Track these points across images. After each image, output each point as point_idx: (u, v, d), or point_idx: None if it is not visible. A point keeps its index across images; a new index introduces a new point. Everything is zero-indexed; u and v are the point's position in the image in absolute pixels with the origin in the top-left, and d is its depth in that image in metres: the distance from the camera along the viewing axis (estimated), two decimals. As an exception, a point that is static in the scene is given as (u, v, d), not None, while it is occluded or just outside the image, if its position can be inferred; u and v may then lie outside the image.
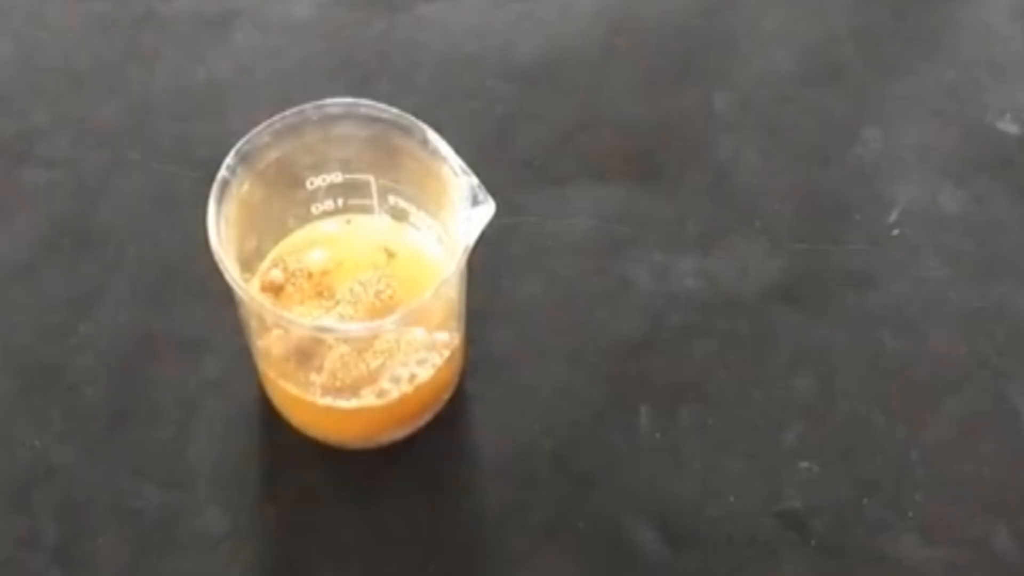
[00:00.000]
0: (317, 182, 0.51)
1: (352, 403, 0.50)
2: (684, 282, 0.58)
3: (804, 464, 0.54)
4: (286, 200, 0.51)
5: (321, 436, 0.53)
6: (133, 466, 0.53)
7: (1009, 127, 0.63)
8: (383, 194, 0.52)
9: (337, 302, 0.51)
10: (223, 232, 0.46)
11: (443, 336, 0.51)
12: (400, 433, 0.53)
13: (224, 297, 0.48)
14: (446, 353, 0.51)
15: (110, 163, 0.61)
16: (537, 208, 0.60)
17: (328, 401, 0.50)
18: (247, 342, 0.51)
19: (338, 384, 0.50)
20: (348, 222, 0.53)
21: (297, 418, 0.53)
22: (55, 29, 0.65)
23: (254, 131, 0.48)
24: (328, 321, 0.50)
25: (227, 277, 0.46)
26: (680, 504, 0.53)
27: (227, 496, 0.52)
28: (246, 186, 0.48)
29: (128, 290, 0.57)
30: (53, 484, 0.52)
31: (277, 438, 0.53)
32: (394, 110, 0.49)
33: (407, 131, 0.49)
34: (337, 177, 0.51)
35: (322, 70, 0.65)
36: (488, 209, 0.47)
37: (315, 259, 0.52)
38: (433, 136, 0.48)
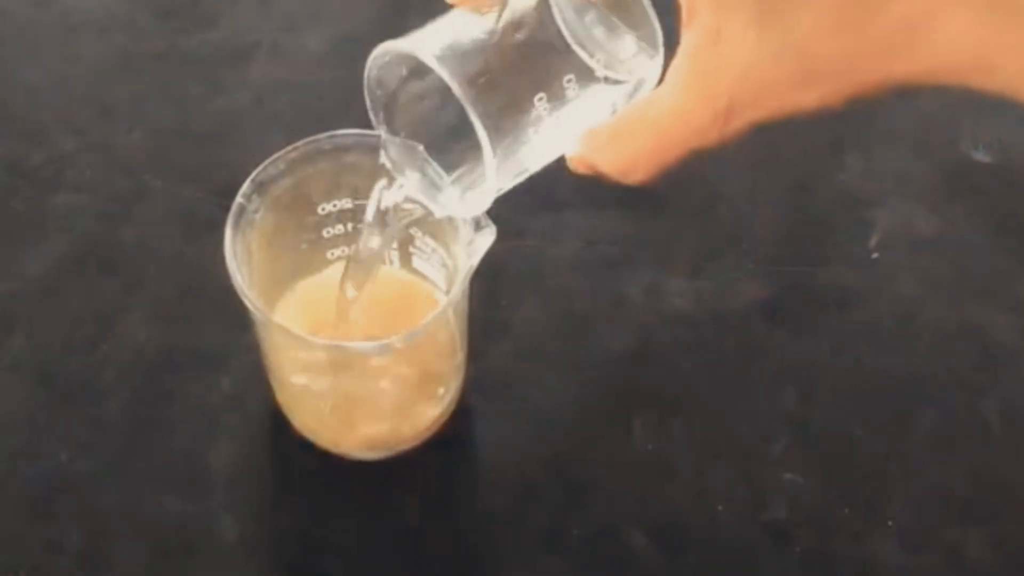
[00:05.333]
0: (328, 207, 0.51)
1: (361, 418, 0.50)
2: (674, 301, 0.58)
3: (788, 475, 0.53)
4: (299, 224, 0.51)
5: (331, 447, 0.53)
6: (153, 476, 0.52)
7: (982, 156, 0.63)
8: (391, 219, 0.51)
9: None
10: (239, 255, 0.46)
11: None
12: (406, 445, 0.53)
13: (239, 316, 0.48)
14: (450, 370, 0.51)
15: (134, 188, 0.61)
16: (536, 232, 0.60)
17: (339, 416, 0.50)
18: (261, 358, 0.51)
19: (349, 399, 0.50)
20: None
21: (308, 429, 0.53)
22: (82, 62, 0.65)
23: (269, 160, 0.48)
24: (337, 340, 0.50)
25: (243, 297, 0.46)
26: (670, 513, 0.53)
27: (241, 505, 0.52)
28: (261, 212, 0.48)
29: (149, 308, 0.57)
30: (77, 493, 0.52)
31: (289, 449, 0.53)
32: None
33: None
34: (347, 203, 0.51)
35: (334, 100, 0.64)
36: (490, 234, 0.46)
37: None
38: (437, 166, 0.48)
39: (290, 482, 0.53)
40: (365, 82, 0.40)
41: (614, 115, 0.41)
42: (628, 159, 0.40)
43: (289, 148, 0.48)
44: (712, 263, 0.59)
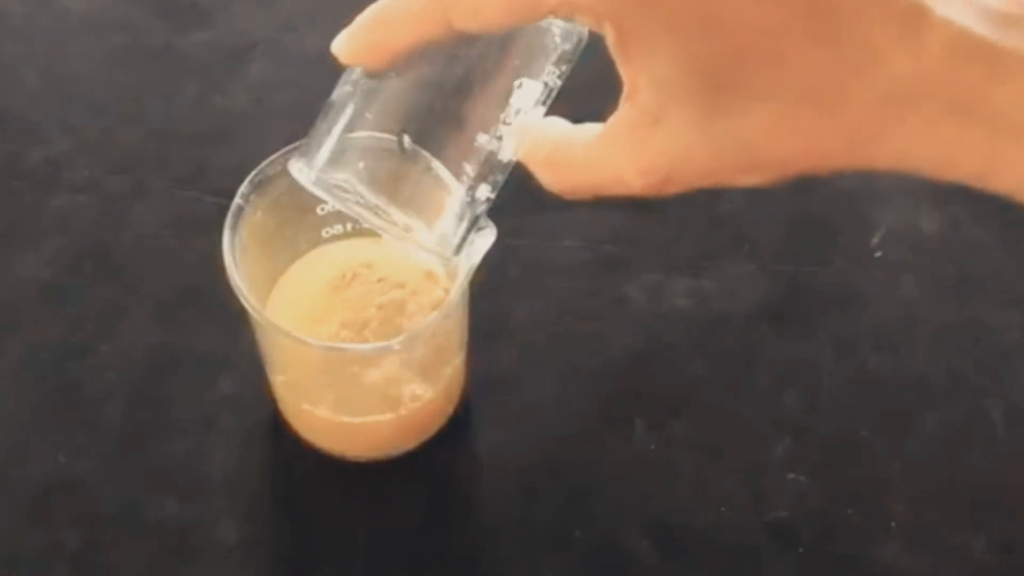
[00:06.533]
0: (327, 208, 0.50)
1: (361, 419, 0.50)
2: (676, 302, 0.57)
3: (791, 475, 0.53)
4: (297, 224, 0.51)
5: (331, 448, 0.52)
6: (151, 479, 0.52)
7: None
8: (389, 219, 0.51)
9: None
10: (238, 257, 0.46)
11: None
12: (407, 446, 0.53)
13: (238, 317, 0.48)
14: (450, 371, 0.51)
15: (131, 189, 0.60)
16: (536, 232, 0.59)
17: (339, 416, 0.50)
18: (261, 360, 0.51)
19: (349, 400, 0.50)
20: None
21: (307, 431, 0.52)
22: (78, 61, 0.65)
23: (267, 161, 0.48)
24: (337, 341, 0.49)
25: (242, 300, 0.46)
26: (673, 514, 0.52)
27: (240, 507, 0.52)
28: (259, 213, 0.47)
29: (148, 310, 0.56)
30: (74, 496, 0.51)
31: (288, 451, 0.53)
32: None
33: (413, 159, 0.48)
34: (346, 203, 0.50)
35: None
36: (490, 234, 0.46)
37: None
38: (437, 164, 0.48)
39: (290, 484, 0.53)
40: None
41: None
42: (562, 186, 0.40)
43: (288, 148, 0.48)
44: (714, 263, 0.59)
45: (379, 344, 0.47)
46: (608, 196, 0.39)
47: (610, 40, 0.37)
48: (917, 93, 0.34)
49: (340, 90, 0.40)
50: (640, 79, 0.37)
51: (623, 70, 0.37)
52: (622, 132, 0.38)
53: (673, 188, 0.38)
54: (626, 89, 0.38)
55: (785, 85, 0.35)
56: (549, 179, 0.40)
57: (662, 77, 0.36)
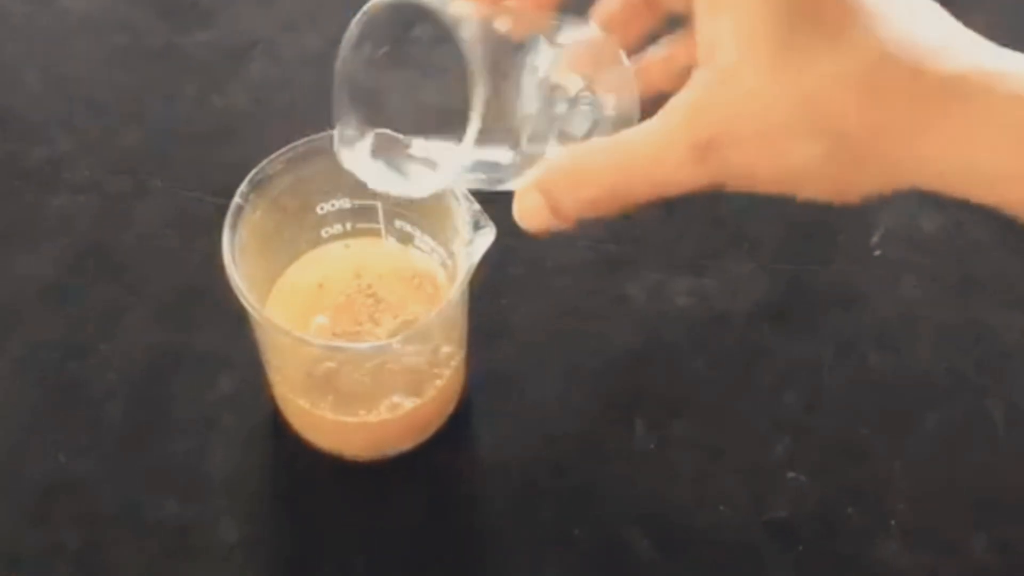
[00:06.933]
0: (327, 207, 0.51)
1: (361, 418, 0.50)
2: (677, 301, 0.57)
3: (791, 474, 0.53)
4: (297, 224, 0.51)
5: (331, 448, 0.52)
6: (151, 479, 0.52)
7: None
8: (390, 218, 0.51)
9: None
10: (237, 256, 0.46)
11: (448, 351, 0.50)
12: (406, 445, 0.53)
13: (238, 316, 0.48)
14: (450, 370, 0.51)
15: (132, 189, 0.60)
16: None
17: (338, 415, 0.50)
18: (261, 359, 0.51)
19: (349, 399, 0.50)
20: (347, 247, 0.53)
21: (307, 430, 0.52)
22: (79, 61, 0.65)
23: (267, 160, 0.48)
24: (336, 340, 0.49)
25: (241, 298, 0.46)
26: (673, 513, 0.52)
27: (240, 507, 0.52)
28: (259, 212, 0.47)
29: (148, 310, 0.56)
30: (75, 495, 0.51)
31: (289, 451, 0.53)
32: (401, 139, 0.49)
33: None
34: (346, 203, 0.51)
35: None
36: (489, 233, 0.46)
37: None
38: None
39: (290, 483, 0.53)
40: (337, 72, 0.39)
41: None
42: (588, 183, 0.39)
43: (287, 148, 0.48)
44: (715, 262, 0.59)
45: (379, 343, 0.47)
46: (637, 193, 0.38)
47: None
48: (975, 89, 0.35)
49: None
50: (722, 23, 0.36)
51: (707, 19, 0.37)
52: (686, 98, 0.37)
53: (716, 155, 0.37)
54: (703, 53, 0.37)
55: (860, 37, 0.35)
56: (574, 176, 0.39)
57: (746, 18, 0.36)
